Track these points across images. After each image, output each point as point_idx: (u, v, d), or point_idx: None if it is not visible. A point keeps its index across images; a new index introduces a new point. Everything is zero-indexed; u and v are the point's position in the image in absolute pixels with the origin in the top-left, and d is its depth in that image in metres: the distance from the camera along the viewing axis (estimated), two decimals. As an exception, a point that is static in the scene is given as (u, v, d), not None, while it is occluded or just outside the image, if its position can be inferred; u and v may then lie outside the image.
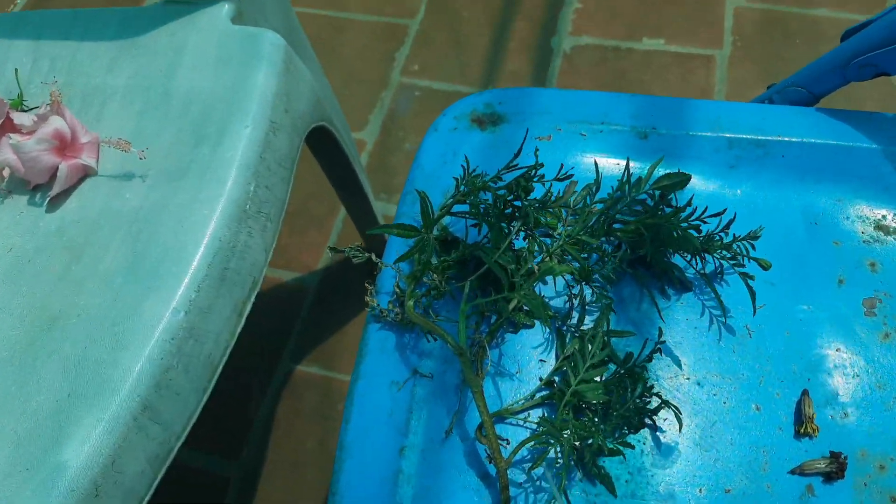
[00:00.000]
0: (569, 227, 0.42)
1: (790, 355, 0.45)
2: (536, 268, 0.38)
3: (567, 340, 0.45)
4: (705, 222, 0.43)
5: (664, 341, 0.44)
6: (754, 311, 0.45)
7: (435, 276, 0.43)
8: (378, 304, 0.46)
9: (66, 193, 0.60)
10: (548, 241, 0.43)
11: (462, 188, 0.42)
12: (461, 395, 0.43)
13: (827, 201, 0.50)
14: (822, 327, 0.46)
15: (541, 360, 0.45)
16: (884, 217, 0.49)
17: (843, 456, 0.41)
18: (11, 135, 0.60)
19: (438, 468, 0.41)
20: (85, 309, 0.52)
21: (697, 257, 0.46)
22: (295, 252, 1.22)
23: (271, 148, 0.60)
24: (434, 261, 0.44)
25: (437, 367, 0.44)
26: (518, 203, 0.43)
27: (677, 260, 0.47)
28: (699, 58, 1.34)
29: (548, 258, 0.40)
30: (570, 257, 0.42)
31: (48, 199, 0.59)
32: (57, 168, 0.59)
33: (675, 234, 0.43)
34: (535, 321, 0.45)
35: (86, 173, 0.60)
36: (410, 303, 0.42)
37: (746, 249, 0.44)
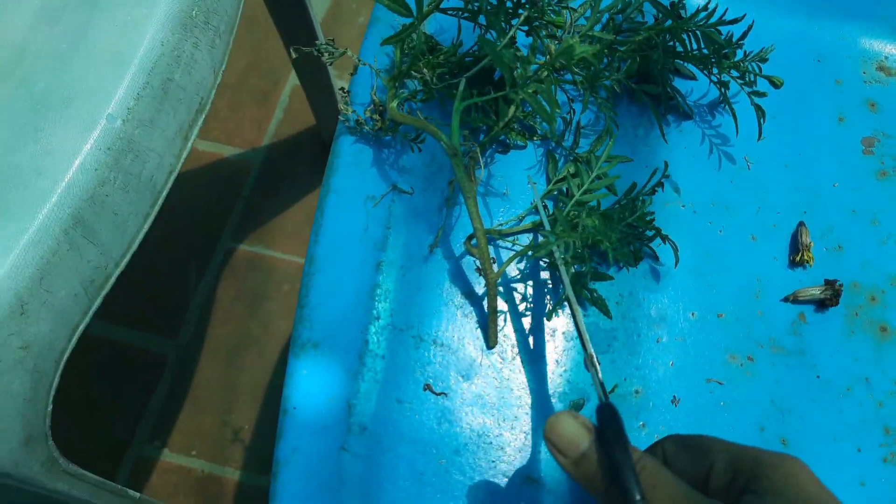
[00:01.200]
0: (576, 27, 0.37)
1: (788, 187, 0.43)
2: (552, 47, 0.34)
3: (560, 164, 0.41)
4: (731, 22, 0.39)
5: (668, 175, 0.41)
6: (760, 133, 0.43)
7: (426, 71, 0.38)
8: (353, 112, 0.40)
9: (-32, -10, 0.50)
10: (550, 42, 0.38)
11: None
12: (445, 214, 0.39)
13: (832, 38, 0.47)
14: (821, 162, 0.44)
15: (532, 183, 0.41)
16: (886, 58, 0.47)
17: (838, 283, 0.40)
18: None
19: (419, 285, 0.38)
20: (1, 112, 0.44)
21: (707, 71, 0.42)
22: (235, 127, 1.13)
23: (222, -48, 0.52)
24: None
25: (417, 184, 0.40)
26: None
27: (678, 84, 0.44)
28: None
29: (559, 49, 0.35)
30: (575, 65, 0.38)
31: (-51, -6, 0.49)
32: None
33: (687, 43, 0.39)
34: (528, 142, 0.41)
35: (-5, -32, 0.51)
36: (393, 104, 0.37)
37: (759, 68, 0.41)
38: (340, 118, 0.41)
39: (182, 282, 1.02)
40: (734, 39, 0.40)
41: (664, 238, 0.39)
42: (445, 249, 0.39)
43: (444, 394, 0.36)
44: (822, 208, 0.42)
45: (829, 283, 0.40)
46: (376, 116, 0.40)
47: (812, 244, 0.41)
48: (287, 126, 1.13)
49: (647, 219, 0.39)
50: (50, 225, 0.40)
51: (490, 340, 0.38)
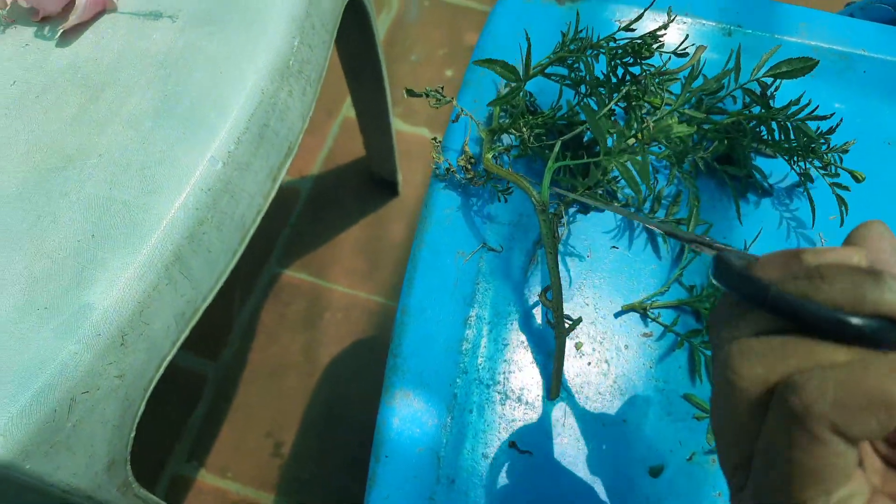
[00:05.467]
0: (667, 99, 0.39)
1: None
2: (650, 122, 0.35)
3: (638, 229, 0.43)
4: (822, 118, 0.40)
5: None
6: (843, 222, 0.44)
7: (524, 130, 0.40)
8: (445, 161, 0.42)
9: (79, 28, 0.53)
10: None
11: (570, 45, 0.39)
12: (530, 273, 0.41)
13: (902, 121, 0.48)
14: None
15: (613, 248, 0.42)
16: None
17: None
18: (21, -46, 0.52)
19: (505, 342, 0.39)
20: (107, 150, 0.47)
21: (791, 160, 0.43)
22: (288, 155, 1.16)
23: (317, 5, 0.55)
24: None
25: (504, 242, 0.42)
26: (631, 69, 0.39)
27: (759, 162, 0.45)
28: None
29: (652, 126, 0.37)
30: (666, 138, 0.40)
31: (60, 32, 0.52)
32: (73, -3, 0.52)
33: (776, 131, 0.40)
34: (605, 209, 0.43)
35: (104, 8, 0.54)
36: (489, 155, 0.39)
37: (840, 159, 0.42)
38: (432, 166, 0.43)
39: (226, 304, 1.04)
40: (820, 132, 0.41)
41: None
42: (530, 309, 0.40)
43: (529, 452, 0.37)
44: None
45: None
46: (468, 166, 0.42)
47: None
48: (336, 157, 1.16)
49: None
50: (153, 260, 0.42)
51: (552, 392, 0.39)
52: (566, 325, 0.38)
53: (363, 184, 1.14)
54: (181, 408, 0.97)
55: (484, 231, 0.42)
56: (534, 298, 0.41)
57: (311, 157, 1.16)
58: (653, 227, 0.32)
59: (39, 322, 0.40)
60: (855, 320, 0.19)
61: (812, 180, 0.44)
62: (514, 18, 0.49)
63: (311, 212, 1.12)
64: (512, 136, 0.42)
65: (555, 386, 0.39)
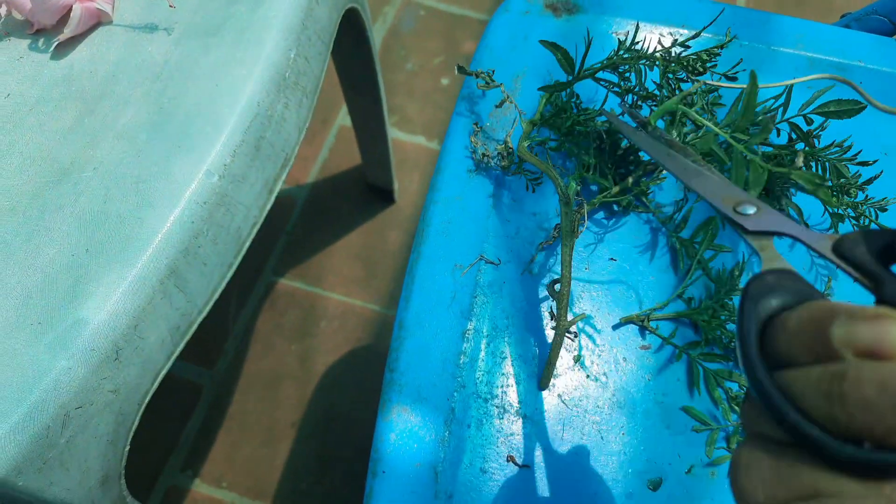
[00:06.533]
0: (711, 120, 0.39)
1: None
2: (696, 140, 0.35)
3: (661, 243, 0.43)
4: (864, 164, 0.40)
5: None
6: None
7: (565, 124, 0.40)
8: (483, 145, 0.43)
9: (74, 41, 0.53)
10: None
11: (623, 53, 0.39)
12: (531, 285, 0.41)
13: (900, 133, 0.49)
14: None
15: (611, 259, 0.42)
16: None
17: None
18: (16, -35, 0.52)
19: (503, 356, 0.39)
20: (102, 163, 0.46)
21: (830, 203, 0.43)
22: (283, 163, 1.16)
23: (313, 17, 0.55)
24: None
25: (503, 255, 0.42)
26: (683, 84, 0.39)
27: (797, 198, 0.45)
28: None
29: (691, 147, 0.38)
30: (705, 159, 0.40)
31: (55, 44, 0.52)
32: (68, 9, 0.52)
33: (814, 167, 0.40)
34: (633, 213, 0.43)
35: (99, 20, 0.54)
36: (525, 143, 0.40)
37: (876, 214, 0.41)
38: (471, 151, 0.43)
39: (222, 312, 1.04)
40: (859, 181, 0.41)
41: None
42: (527, 322, 0.40)
43: (528, 466, 0.37)
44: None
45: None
46: (504, 153, 0.42)
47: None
48: (332, 165, 1.16)
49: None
50: (148, 274, 0.42)
51: (542, 382, 0.39)
52: (569, 319, 0.38)
53: (359, 192, 1.14)
54: (176, 417, 0.96)
55: (482, 243, 0.42)
56: (532, 311, 0.41)
57: (307, 165, 1.16)
58: (711, 198, 0.29)
59: (32, 337, 0.39)
60: (877, 456, 0.17)
61: (842, 221, 0.43)
62: (511, 30, 0.49)
63: (307, 220, 1.12)
64: (547, 132, 0.43)
65: (546, 376, 0.39)
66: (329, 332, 1.03)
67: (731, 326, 0.40)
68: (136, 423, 0.45)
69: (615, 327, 0.41)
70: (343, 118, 1.19)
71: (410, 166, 1.15)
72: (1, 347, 0.39)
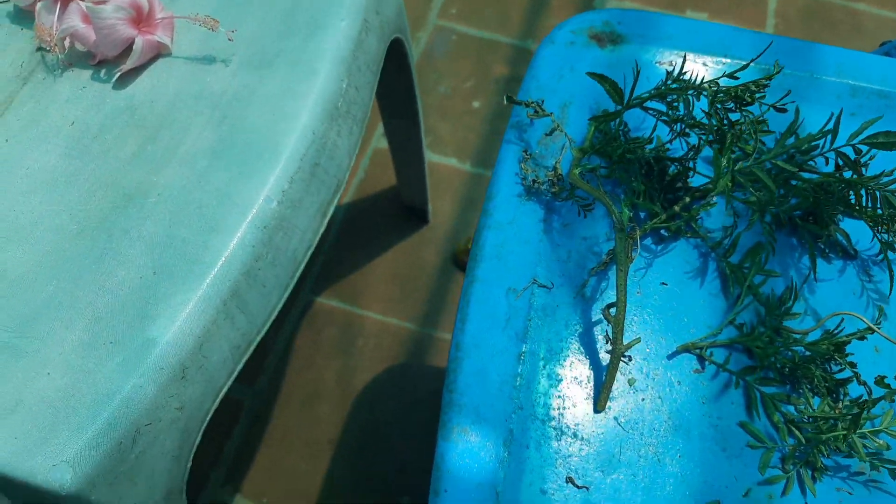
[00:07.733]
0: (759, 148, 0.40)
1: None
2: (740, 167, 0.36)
3: (711, 267, 0.43)
4: None
5: (844, 330, 0.41)
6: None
7: (616, 152, 0.41)
8: (533, 172, 0.44)
9: (136, 72, 0.56)
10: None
11: (672, 84, 0.40)
12: (584, 308, 0.42)
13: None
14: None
15: (662, 284, 0.43)
16: None
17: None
18: (83, 1, 0.55)
19: (559, 378, 0.40)
20: (166, 189, 0.48)
21: (876, 229, 0.43)
22: (320, 184, 1.18)
23: (363, 47, 0.57)
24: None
25: (555, 279, 0.43)
26: (732, 115, 0.40)
27: (847, 224, 0.45)
28: (744, 31, 1.32)
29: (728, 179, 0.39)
30: (754, 185, 0.41)
31: (117, 74, 0.55)
32: (130, 42, 0.54)
33: (864, 197, 0.40)
34: (682, 238, 0.44)
35: (159, 52, 0.56)
36: (577, 171, 0.41)
37: None
38: (520, 176, 0.45)
39: (261, 331, 1.06)
40: None
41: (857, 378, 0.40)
42: (581, 345, 0.41)
43: (586, 488, 0.37)
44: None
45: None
46: (555, 180, 0.43)
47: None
48: (367, 187, 1.18)
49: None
50: (212, 296, 0.44)
51: (599, 404, 0.39)
52: (624, 343, 0.39)
53: (394, 212, 1.15)
54: (217, 433, 0.98)
55: (534, 267, 0.43)
56: (586, 334, 0.41)
57: (345, 187, 1.18)
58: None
59: (105, 356, 0.41)
60: None
61: (893, 249, 0.44)
62: (557, 60, 0.50)
63: (344, 240, 1.14)
64: (596, 159, 0.44)
65: (603, 398, 0.39)
66: (366, 350, 1.04)
67: (787, 353, 0.40)
68: (199, 439, 0.47)
69: (670, 356, 0.42)
70: (377, 141, 1.22)
71: (444, 188, 1.17)
72: (76, 366, 0.41)
